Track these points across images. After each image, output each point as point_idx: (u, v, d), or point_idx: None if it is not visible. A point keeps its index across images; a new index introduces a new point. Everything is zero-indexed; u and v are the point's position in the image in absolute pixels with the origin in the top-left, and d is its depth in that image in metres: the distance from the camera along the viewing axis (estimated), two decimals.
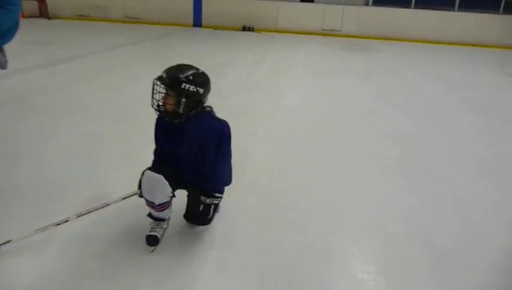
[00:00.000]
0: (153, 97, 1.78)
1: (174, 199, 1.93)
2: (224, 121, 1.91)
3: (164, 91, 1.77)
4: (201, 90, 1.80)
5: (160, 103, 1.80)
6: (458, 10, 11.34)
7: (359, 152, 3.30)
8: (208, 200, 1.95)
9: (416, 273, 1.89)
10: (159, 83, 1.76)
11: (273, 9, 12.02)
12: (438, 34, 11.15)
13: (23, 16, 12.37)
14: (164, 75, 1.77)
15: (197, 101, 1.83)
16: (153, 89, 1.78)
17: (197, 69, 1.84)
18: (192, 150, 1.86)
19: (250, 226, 2.18)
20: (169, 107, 1.78)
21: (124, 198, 1.97)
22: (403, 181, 2.84)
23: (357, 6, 11.79)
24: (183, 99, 1.76)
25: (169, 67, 1.81)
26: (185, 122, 1.83)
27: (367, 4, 12.05)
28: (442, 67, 7.82)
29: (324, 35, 11.62)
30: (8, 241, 1.78)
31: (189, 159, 1.88)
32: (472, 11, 11.15)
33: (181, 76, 1.76)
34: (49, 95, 4.49)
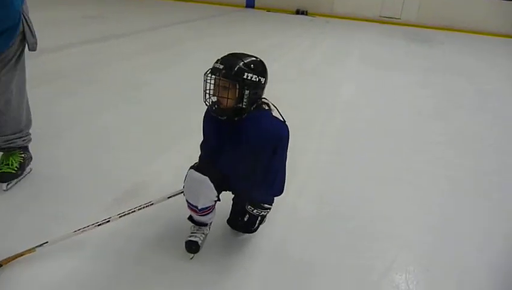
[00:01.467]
0: (206, 92, 1.53)
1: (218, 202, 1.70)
2: (285, 122, 1.63)
3: (222, 84, 1.49)
4: (263, 80, 1.54)
5: (214, 99, 1.54)
6: None
7: (422, 160, 2.92)
8: (255, 211, 1.73)
9: None
10: (215, 76, 1.49)
11: None
12: (509, 27, 10.15)
13: None
14: (221, 66, 1.48)
15: (259, 92, 1.57)
16: (206, 83, 1.52)
17: (254, 56, 1.57)
18: (250, 153, 1.59)
19: (299, 240, 1.92)
20: (230, 102, 1.51)
21: (170, 197, 1.77)
22: (477, 200, 2.46)
23: None
24: (247, 92, 1.49)
25: (223, 57, 1.52)
26: (244, 120, 1.56)
27: None
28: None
29: (382, 22, 10.96)
30: (45, 243, 1.63)
31: (242, 163, 1.63)
32: None
33: (241, 65, 1.49)
34: (95, 72, 4.38)
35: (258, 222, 1.78)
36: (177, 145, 2.72)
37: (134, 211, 1.73)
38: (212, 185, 1.59)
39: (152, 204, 1.75)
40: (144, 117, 3.26)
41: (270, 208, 1.77)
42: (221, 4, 12.00)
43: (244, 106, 1.52)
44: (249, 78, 1.49)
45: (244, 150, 1.58)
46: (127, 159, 2.51)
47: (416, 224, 2.15)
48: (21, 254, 1.59)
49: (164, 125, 3.12)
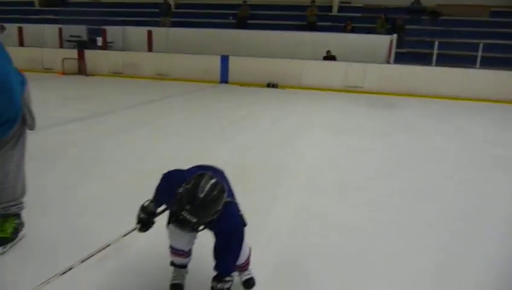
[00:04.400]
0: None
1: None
2: (240, 215, 1.90)
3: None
4: (221, 202, 1.72)
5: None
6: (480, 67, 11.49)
7: (380, 213, 3.29)
8: (222, 285, 1.86)
9: None
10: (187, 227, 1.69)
11: (296, 67, 12.49)
12: (459, 90, 11.17)
13: (63, 73, 13.33)
14: (193, 220, 1.65)
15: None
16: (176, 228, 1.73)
17: (212, 185, 1.67)
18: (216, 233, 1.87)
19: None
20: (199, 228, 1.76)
21: (125, 235, 1.94)
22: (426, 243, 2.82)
23: (378, 64, 12.13)
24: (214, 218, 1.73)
25: (189, 199, 1.63)
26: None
27: (388, 62, 12.37)
28: (465, 124, 7.84)
29: (347, 91, 11.86)
30: None
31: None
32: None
33: (208, 216, 1.69)
34: (81, 148, 4.75)
35: None
36: None
37: (94, 254, 1.89)
38: (192, 235, 1.93)
39: (109, 245, 1.92)
40: (127, 185, 3.57)
41: (232, 280, 1.90)
42: (197, 81, 12.82)
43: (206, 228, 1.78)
44: (212, 215, 1.69)
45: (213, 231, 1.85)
46: (108, 223, 2.79)
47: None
48: None
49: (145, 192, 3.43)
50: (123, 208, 2.91)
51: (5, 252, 2.34)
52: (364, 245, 2.69)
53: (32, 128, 2.40)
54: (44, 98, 7.46)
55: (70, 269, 1.85)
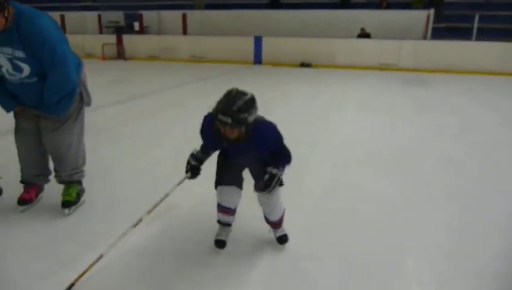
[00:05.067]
0: (216, 130, 1.96)
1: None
2: (270, 122, 2.10)
3: (229, 128, 1.88)
4: (255, 112, 1.95)
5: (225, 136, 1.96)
6: None
7: (411, 182, 3.43)
8: (277, 171, 2.07)
9: None
10: (225, 127, 1.87)
11: (330, 45, 12.43)
12: (499, 66, 10.82)
13: (104, 58, 13.91)
14: (228, 121, 1.84)
15: (254, 119, 1.97)
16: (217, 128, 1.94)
17: (244, 94, 1.93)
18: (261, 154, 2.09)
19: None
20: (236, 136, 1.94)
21: (179, 184, 2.21)
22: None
23: (414, 40, 11.85)
24: (250, 126, 1.93)
25: (224, 107, 1.86)
26: (248, 138, 1.99)
27: (425, 38, 12.06)
28: (503, 100, 7.65)
29: (382, 69, 11.73)
30: (100, 257, 2.04)
31: (255, 159, 2.13)
32: None
33: (241, 114, 1.85)
34: (124, 127, 5.13)
35: (275, 181, 2.07)
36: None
37: (158, 204, 2.19)
38: (239, 189, 2.20)
39: (168, 195, 2.20)
40: (165, 158, 3.87)
41: (283, 171, 2.12)
42: (231, 62, 13.04)
43: (246, 134, 1.96)
44: (248, 118, 1.89)
45: (257, 152, 2.08)
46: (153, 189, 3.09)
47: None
48: (84, 272, 1.98)
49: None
50: (164, 178, 3.22)
51: (70, 213, 2.69)
52: (390, 212, 2.86)
53: (89, 104, 2.71)
54: (90, 82, 7.96)
55: (141, 220, 2.17)
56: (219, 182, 2.22)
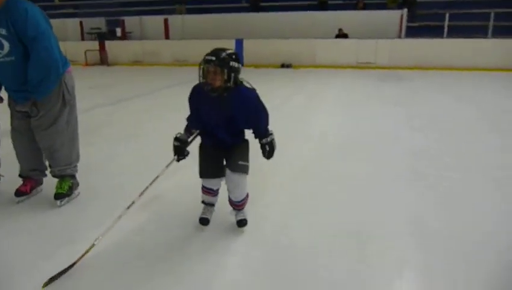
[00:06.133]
0: (202, 77, 2.17)
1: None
2: (253, 88, 2.33)
3: (213, 70, 2.10)
4: (240, 66, 2.18)
5: (209, 82, 2.16)
6: (492, 37, 11.56)
7: (380, 165, 3.75)
8: (268, 138, 2.34)
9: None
10: (209, 65, 2.10)
11: (309, 46, 12.82)
12: (471, 62, 11.34)
13: (87, 64, 14.02)
14: (213, 58, 2.09)
15: (238, 75, 2.20)
16: (202, 71, 2.16)
17: (231, 49, 2.18)
18: (239, 114, 2.27)
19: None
20: (220, 83, 2.14)
21: (167, 166, 2.43)
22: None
23: (389, 39, 12.32)
24: (233, 74, 2.13)
25: (212, 51, 2.12)
26: (231, 94, 2.20)
27: (399, 37, 12.54)
28: (475, 92, 8.08)
29: (359, 68, 12.16)
30: (97, 238, 2.24)
31: (232, 123, 2.31)
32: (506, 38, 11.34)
33: (226, 56, 2.11)
34: (112, 127, 5.36)
35: (274, 147, 2.37)
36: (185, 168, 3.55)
37: (150, 185, 2.40)
38: (218, 179, 2.44)
39: (158, 176, 2.42)
40: (156, 154, 4.11)
41: (272, 132, 2.38)
42: None
43: (230, 85, 2.16)
44: (233, 64, 2.12)
45: (234, 114, 2.28)
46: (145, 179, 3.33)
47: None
48: (86, 252, 2.13)
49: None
50: (154, 169, 3.46)
51: (62, 205, 2.91)
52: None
53: (70, 103, 2.89)
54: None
55: (133, 202, 2.37)
56: (201, 175, 2.44)
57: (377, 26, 12.66)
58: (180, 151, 2.36)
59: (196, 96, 2.37)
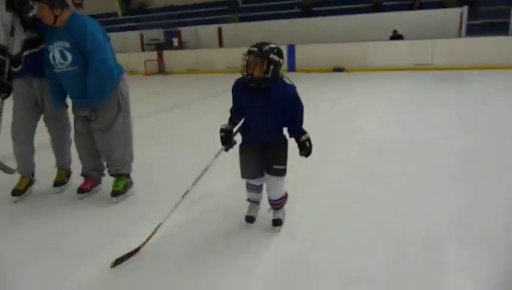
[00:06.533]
0: (244, 67, 2.25)
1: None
2: (292, 84, 2.39)
3: (254, 60, 2.20)
4: (281, 60, 2.26)
5: (250, 72, 2.25)
6: None
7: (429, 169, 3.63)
8: (304, 136, 2.39)
9: None
10: (251, 56, 2.21)
11: (362, 49, 12.58)
12: None
13: (146, 74, 14.79)
14: (255, 50, 2.20)
15: (278, 69, 2.27)
16: (245, 61, 2.24)
17: (276, 44, 2.28)
18: (276, 107, 2.33)
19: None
20: (260, 73, 2.22)
21: (216, 155, 2.49)
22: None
23: (448, 38, 11.75)
24: (272, 67, 2.22)
25: (256, 44, 2.24)
26: (269, 86, 2.28)
27: (459, 36, 11.93)
28: None
29: (416, 69, 11.71)
30: (159, 225, 2.51)
31: (270, 117, 2.35)
32: None
33: (268, 49, 2.21)
34: (168, 130, 5.66)
35: (310, 144, 2.39)
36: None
37: (202, 175, 2.51)
38: (261, 178, 2.51)
39: (207, 168, 2.50)
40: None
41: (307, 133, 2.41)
42: None
43: (269, 77, 2.23)
44: (273, 58, 2.21)
45: (274, 104, 2.33)
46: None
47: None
48: (149, 238, 2.36)
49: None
50: (199, 170, 3.61)
51: (118, 201, 3.14)
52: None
53: (124, 108, 3.11)
54: (134, 95, 8.69)
55: (187, 191, 2.51)
56: (242, 176, 2.53)
57: (434, 25, 12.11)
58: (227, 140, 2.42)
59: (238, 88, 2.45)
